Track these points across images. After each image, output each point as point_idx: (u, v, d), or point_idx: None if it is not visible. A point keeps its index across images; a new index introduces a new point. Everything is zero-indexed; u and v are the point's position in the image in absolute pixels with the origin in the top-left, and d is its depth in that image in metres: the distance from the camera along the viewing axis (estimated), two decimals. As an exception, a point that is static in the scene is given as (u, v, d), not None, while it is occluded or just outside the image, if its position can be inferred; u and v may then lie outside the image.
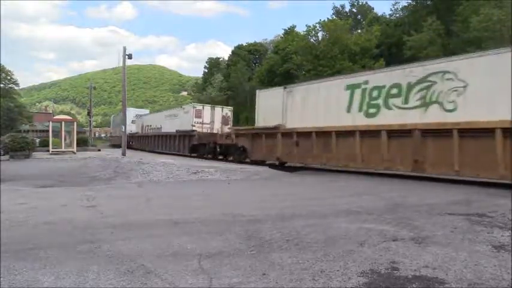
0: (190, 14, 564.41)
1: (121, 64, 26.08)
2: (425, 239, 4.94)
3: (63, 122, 28.76)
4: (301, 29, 68.09)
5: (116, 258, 4.24)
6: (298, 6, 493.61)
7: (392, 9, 52.29)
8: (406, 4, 45.30)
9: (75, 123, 30.38)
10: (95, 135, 77.75)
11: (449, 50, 28.01)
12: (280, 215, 6.72)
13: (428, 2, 40.33)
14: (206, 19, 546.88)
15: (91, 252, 4.46)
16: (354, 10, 56.29)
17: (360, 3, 56.25)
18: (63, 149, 27.05)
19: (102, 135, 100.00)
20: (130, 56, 25.73)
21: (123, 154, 23.82)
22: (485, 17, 26.65)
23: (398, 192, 9.96)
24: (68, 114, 70.72)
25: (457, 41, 31.21)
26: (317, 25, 45.57)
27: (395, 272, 3.73)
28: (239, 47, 69.21)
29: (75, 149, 27.58)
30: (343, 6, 55.59)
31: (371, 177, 13.67)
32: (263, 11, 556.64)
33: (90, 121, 59.27)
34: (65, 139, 27.80)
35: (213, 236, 5.23)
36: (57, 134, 28.74)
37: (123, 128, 26.03)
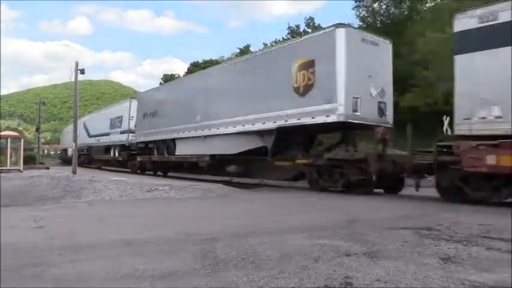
0: (148, 30, 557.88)
1: (73, 79, 25.32)
2: (377, 253, 5.06)
3: (9, 139, 27.51)
4: (257, 47, 69.06)
5: (63, 281, 4.04)
6: (254, 25, 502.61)
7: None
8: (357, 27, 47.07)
9: (22, 139, 29.14)
10: (43, 152, 74.41)
11: (397, 71, 29.33)
12: (235, 232, 6.68)
13: (378, 25, 42.16)
14: (164, 36, 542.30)
15: (36, 276, 4.22)
16: (309, 30, 57.81)
17: (314, 24, 57.86)
18: (8, 167, 25.83)
19: (52, 152, 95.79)
20: (82, 71, 25.00)
21: (74, 172, 22.92)
22: (429, 40, 28.25)
23: (352, 208, 10.19)
24: (15, 130, 67.40)
25: (404, 63, 32.74)
26: (273, 43, 46.41)
27: (348, 286, 3.79)
28: (195, 64, 69.03)
29: (21, 167, 26.40)
30: (298, 26, 56.87)
31: (328, 194, 13.89)
32: (222, 29, 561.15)
33: (38, 138, 56.81)
34: (10, 157, 26.60)
35: (167, 255, 5.10)
36: (2, 151, 27.49)
37: (74, 145, 25.21)
